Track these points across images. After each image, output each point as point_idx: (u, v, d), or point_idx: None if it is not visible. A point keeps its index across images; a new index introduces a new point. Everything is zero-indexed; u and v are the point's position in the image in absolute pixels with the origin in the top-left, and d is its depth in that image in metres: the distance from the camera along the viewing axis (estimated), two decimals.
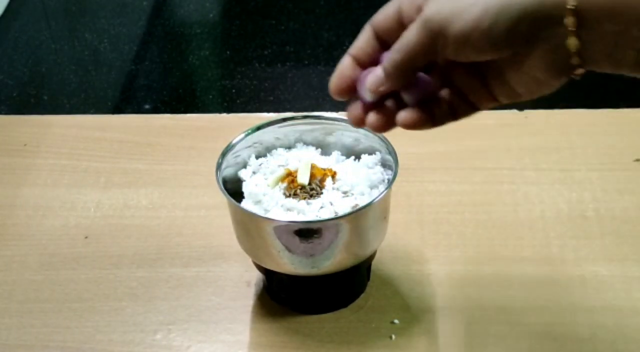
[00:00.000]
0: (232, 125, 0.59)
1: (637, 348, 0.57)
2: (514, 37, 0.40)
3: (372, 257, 0.59)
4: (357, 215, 0.53)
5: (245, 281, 0.62)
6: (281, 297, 0.60)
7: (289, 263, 0.55)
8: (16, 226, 0.68)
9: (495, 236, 0.65)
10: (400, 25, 0.45)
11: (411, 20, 0.44)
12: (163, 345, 0.58)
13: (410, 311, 0.60)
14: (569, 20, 0.38)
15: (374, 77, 0.45)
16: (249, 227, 0.55)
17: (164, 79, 1.66)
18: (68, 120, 0.81)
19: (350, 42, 0.48)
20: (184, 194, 0.70)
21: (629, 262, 0.62)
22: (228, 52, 1.74)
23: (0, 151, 0.76)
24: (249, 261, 0.60)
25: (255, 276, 0.61)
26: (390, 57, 0.44)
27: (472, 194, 0.69)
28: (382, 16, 0.46)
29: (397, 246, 0.64)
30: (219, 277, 0.63)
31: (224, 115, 0.80)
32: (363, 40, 0.47)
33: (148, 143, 0.76)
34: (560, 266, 0.63)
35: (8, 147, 0.76)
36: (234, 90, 1.63)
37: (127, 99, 1.63)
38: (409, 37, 0.43)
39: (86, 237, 0.67)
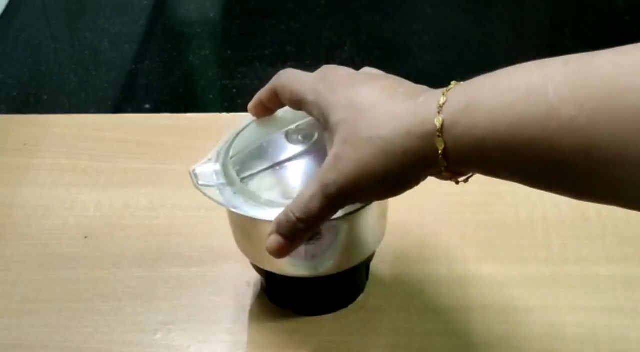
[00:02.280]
0: (236, 122, 0.59)
1: (638, 349, 0.56)
2: (409, 185, 0.46)
3: (371, 257, 0.59)
4: (357, 215, 0.53)
5: (245, 281, 0.62)
6: (282, 299, 0.60)
7: (289, 265, 0.55)
8: (15, 226, 0.68)
9: (496, 236, 0.65)
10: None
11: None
12: (163, 345, 0.58)
13: (410, 311, 0.60)
14: (441, 162, 0.43)
15: (275, 243, 0.49)
16: (249, 230, 0.55)
17: (164, 79, 1.66)
18: (68, 119, 0.81)
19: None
20: (184, 194, 0.70)
21: (630, 263, 0.62)
22: (228, 52, 1.74)
23: (0, 151, 0.75)
24: (249, 261, 0.59)
25: (255, 276, 0.61)
26: (291, 221, 0.48)
27: (473, 194, 0.69)
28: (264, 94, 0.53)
29: (397, 246, 0.64)
30: (219, 277, 0.63)
31: (224, 114, 0.80)
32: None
33: (148, 143, 0.76)
34: (561, 266, 0.62)
35: (7, 146, 0.76)
36: (234, 90, 1.63)
37: (127, 99, 1.62)
38: (311, 205, 0.47)
39: (86, 237, 0.66)
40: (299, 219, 0.47)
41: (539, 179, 0.41)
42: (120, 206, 0.69)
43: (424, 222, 0.67)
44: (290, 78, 0.51)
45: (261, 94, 0.54)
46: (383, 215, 0.57)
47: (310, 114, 0.50)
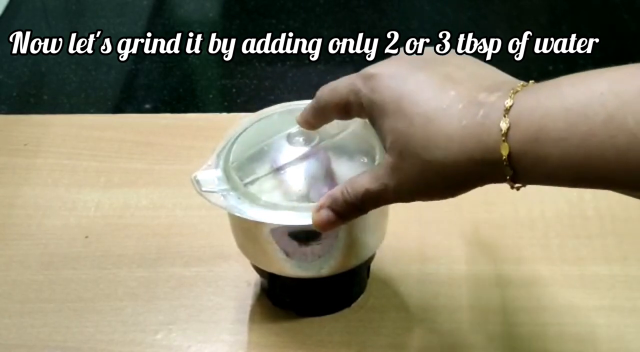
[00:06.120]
0: (232, 125, 0.59)
1: (637, 348, 0.57)
2: (465, 188, 0.46)
3: (372, 257, 0.59)
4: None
5: (245, 281, 0.62)
6: (284, 301, 0.60)
7: (293, 266, 0.55)
8: (16, 226, 0.68)
9: (496, 236, 0.65)
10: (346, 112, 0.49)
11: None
12: (164, 345, 0.58)
13: (410, 311, 0.60)
14: (510, 183, 0.42)
15: (326, 217, 0.49)
16: (254, 233, 0.55)
17: (164, 79, 1.66)
18: (68, 119, 0.81)
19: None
20: (184, 194, 0.70)
21: (629, 262, 0.62)
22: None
23: (0, 151, 0.76)
24: (249, 261, 0.60)
25: (256, 276, 0.61)
26: (349, 202, 0.48)
27: (472, 193, 0.69)
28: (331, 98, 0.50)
29: (397, 245, 0.64)
30: (219, 277, 0.63)
31: (224, 114, 0.80)
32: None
33: (148, 143, 0.76)
34: (560, 265, 0.63)
35: (8, 146, 0.76)
36: (234, 90, 1.64)
37: (127, 99, 1.63)
38: (365, 198, 0.47)
39: (86, 237, 0.67)
40: (352, 202, 0.48)
41: (609, 189, 0.40)
42: (121, 205, 0.69)
43: (423, 222, 0.67)
44: (327, 90, 0.49)
45: (306, 124, 0.53)
46: (384, 214, 0.57)
47: (358, 116, 0.49)
